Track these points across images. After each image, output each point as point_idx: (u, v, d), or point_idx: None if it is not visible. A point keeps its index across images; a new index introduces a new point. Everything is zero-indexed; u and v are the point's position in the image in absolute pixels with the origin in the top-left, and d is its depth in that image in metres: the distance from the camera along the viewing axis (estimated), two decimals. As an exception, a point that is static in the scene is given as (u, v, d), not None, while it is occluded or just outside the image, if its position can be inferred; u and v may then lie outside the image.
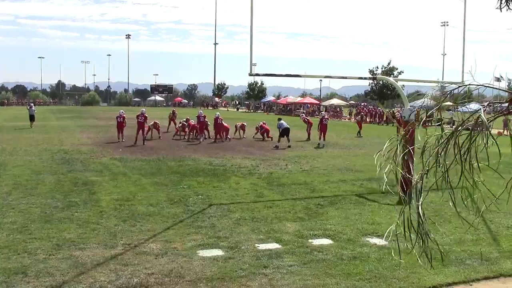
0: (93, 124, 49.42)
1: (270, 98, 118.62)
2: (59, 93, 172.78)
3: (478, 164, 4.36)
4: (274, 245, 10.68)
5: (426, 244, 4.41)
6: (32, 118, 45.00)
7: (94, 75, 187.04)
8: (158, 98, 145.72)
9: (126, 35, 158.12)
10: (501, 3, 5.25)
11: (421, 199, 4.31)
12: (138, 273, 8.86)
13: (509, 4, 5.22)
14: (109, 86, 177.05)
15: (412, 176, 4.51)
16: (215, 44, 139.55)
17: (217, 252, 10.09)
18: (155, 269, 9.07)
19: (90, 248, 10.14)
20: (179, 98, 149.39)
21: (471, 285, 9.01)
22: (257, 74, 22.96)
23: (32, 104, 57.57)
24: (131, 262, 9.39)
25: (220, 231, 11.56)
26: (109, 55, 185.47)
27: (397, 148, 4.77)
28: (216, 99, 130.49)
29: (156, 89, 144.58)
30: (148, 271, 8.94)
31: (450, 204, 4.36)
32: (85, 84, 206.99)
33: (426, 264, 4.42)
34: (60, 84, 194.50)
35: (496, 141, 4.24)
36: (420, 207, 4.28)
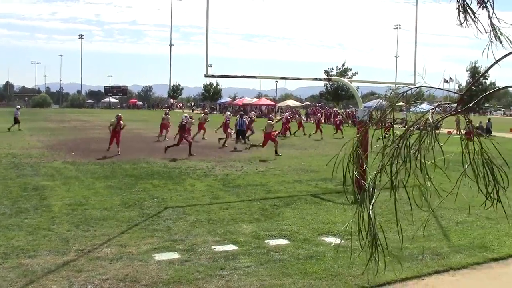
0: (44, 127, 48.23)
1: (225, 99, 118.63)
2: (7, 95, 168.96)
3: (427, 163, 4.41)
4: (230, 247, 10.66)
5: (376, 244, 4.47)
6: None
7: (45, 76, 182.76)
8: (112, 100, 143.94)
9: (79, 36, 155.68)
10: (460, 19, 5.37)
11: (373, 199, 4.35)
12: (92, 279, 8.71)
13: (468, 20, 5.36)
14: (61, 88, 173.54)
15: (366, 176, 4.56)
16: (171, 45, 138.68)
17: (173, 255, 10.02)
18: (109, 274, 8.93)
19: (41, 256, 9.88)
20: (134, 100, 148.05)
21: (423, 279, 9.28)
22: (212, 76, 22.85)
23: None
24: (85, 268, 9.22)
25: (176, 234, 11.48)
26: (61, 55, 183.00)
27: (352, 148, 4.80)
28: (171, 100, 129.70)
29: (110, 90, 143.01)
30: (102, 277, 8.80)
31: (400, 203, 4.40)
32: (36, 85, 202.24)
33: (375, 264, 4.45)
34: (8, 85, 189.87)
35: (438, 141, 4.32)
36: (371, 208, 4.33)
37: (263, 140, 29.07)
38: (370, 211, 4.34)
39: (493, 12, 5.25)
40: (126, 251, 10.23)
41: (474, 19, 5.40)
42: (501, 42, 5.19)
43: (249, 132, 35.06)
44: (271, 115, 40.05)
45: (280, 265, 9.61)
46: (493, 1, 5.28)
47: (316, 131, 43.06)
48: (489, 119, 52.23)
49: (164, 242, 10.89)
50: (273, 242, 11.06)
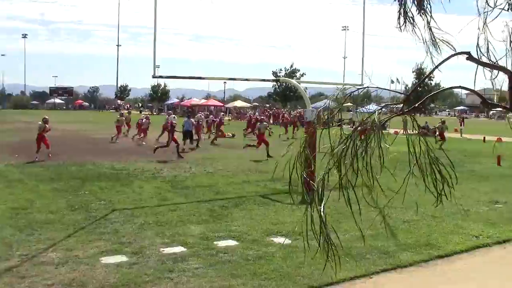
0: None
1: (173, 100, 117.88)
2: None
3: (374, 163, 4.48)
4: (179, 249, 10.59)
5: (328, 244, 4.51)
6: None
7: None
8: (57, 101, 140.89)
9: (23, 35, 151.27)
10: (399, 23, 5.48)
11: (324, 199, 4.38)
12: (36, 284, 8.50)
13: (407, 24, 5.47)
14: (3, 88, 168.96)
15: (314, 176, 4.60)
16: (118, 45, 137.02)
17: (121, 258, 9.88)
18: (55, 279, 8.74)
19: (-17, 262, 9.60)
20: (80, 101, 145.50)
21: (371, 277, 9.42)
22: (160, 76, 22.74)
23: None
24: (29, 273, 8.98)
25: (123, 237, 11.33)
26: (3, 55, 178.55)
27: (301, 149, 4.84)
28: (119, 101, 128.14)
29: (55, 91, 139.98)
30: (47, 282, 8.60)
31: (348, 202, 4.45)
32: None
33: (327, 263, 4.50)
34: None
35: (381, 141, 4.40)
36: (322, 208, 4.36)
37: (257, 141, 29.33)
38: (322, 211, 4.38)
39: (431, 17, 5.40)
40: (72, 255, 10.03)
41: (413, 23, 5.53)
42: (438, 48, 5.35)
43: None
44: (263, 117, 40.38)
45: (229, 266, 9.59)
46: (430, 8, 5.43)
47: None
48: (462, 119, 53.48)
49: (111, 245, 10.73)
50: (222, 243, 11.03)
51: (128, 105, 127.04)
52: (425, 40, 5.42)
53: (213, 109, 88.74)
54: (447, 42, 5.27)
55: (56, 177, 19.34)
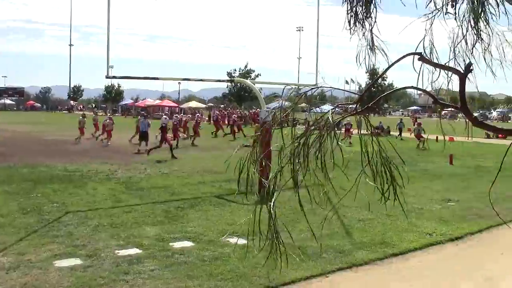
0: None
1: (128, 101, 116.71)
2: None
3: (328, 162, 4.51)
4: (134, 250, 10.49)
5: (278, 243, 4.52)
6: None
7: None
8: (7, 101, 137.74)
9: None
10: (350, 25, 5.55)
11: (273, 198, 4.39)
12: (-13, 289, 8.32)
13: (357, 26, 5.55)
14: None
15: (268, 176, 4.60)
16: (70, 45, 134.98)
17: (75, 261, 9.72)
18: (6, 284, 8.54)
19: None
20: (31, 102, 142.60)
21: (327, 276, 9.49)
22: (114, 77, 22.45)
23: None
24: (-21, 278, 8.78)
25: (77, 239, 11.16)
26: None
27: (254, 148, 4.83)
28: (72, 102, 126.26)
29: (5, 92, 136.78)
30: (-2, 287, 8.42)
31: (302, 201, 4.47)
32: None
33: (277, 262, 4.51)
34: None
35: (337, 141, 4.43)
36: (272, 207, 4.37)
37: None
38: (271, 210, 4.38)
39: (375, 22, 5.49)
40: (24, 259, 9.81)
41: (363, 25, 5.62)
42: (379, 52, 5.47)
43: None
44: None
45: (185, 268, 9.55)
46: (376, 14, 5.52)
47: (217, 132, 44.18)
48: (415, 119, 54.18)
49: (65, 248, 10.55)
50: (177, 245, 10.98)
51: (81, 106, 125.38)
52: (369, 44, 5.53)
53: (179, 110, 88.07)
54: (382, 49, 5.39)
55: (7, 179, 18.89)
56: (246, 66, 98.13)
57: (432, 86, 5.35)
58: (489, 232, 12.98)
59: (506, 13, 5.40)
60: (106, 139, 34.76)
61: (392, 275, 9.85)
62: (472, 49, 5.40)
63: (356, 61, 5.51)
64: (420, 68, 5.12)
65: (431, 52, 5.21)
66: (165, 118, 30.58)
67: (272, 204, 4.34)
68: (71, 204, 14.83)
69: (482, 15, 5.41)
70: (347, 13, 5.54)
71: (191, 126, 41.30)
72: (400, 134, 46.52)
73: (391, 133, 47.63)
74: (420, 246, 11.49)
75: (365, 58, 5.56)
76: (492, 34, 5.37)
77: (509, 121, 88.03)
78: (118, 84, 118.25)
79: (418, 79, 4.97)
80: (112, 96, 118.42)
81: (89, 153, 28.57)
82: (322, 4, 23.26)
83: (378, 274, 9.86)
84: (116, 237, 11.44)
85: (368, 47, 5.53)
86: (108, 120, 36.29)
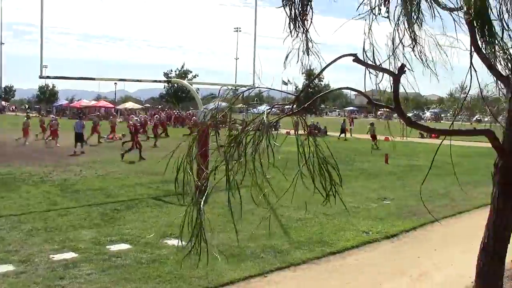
0: None
1: (63, 101, 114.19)
2: None
3: (266, 162, 4.51)
4: (70, 254, 10.28)
5: (205, 243, 4.52)
6: None
7: None
8: None
9: None
10: (290, 29, 5.60)
11: (203, 199, 4.39)
12: None
13: (297, 29, 5.62)
14: None
15: (203, 176, 4.59)
16: (1, 43, 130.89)
17: (7, 268, 9.44)
18: None
19: None
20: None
21: (265, 276, 9.54)
22: (48, 77, 21.91)
23: None
24: None
25: (10, 245, 10.83)
26: None
27: (191, 149, 4.80)
28: (3, 103, 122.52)
29: None
30: None
31: (229, 203, 4.47)
32: None
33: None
34: None
35: (270, 141, 4.45)
36: (201, 208, 4.36)
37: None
38: (200, 211, 4.37)
39: (311, 24, 5.57)
40: (-47, 266, 9.47)
41: (302, 28, 5.68)
42: (308, 54, 5.56)
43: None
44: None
45: (123, 271, 9.41)
46: (312, 18, 5.60)
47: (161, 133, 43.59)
48: (352, 119, 54.81)
49: (-4, 254, 10.23)
50: (114, 247, 10.82)
51: (14, 107, 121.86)
52: (304, 48, 5.61)
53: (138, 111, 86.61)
54: (316, 52, 5.47)
55: None
56: (183, 67, 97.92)
57: (376, 86, 5.46)
58: (423, 229, 13.32)
59: (438, 16, 5.54)
60: (53, 140, 34.42)
61: (330, 273, 9.96)
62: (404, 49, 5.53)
63: (285, 62, 5.57)
64: (365, 69, 5.22)
65: (373, 54, 5.31)
66: (136, 120, 30.32)
67: (201, 205, 4.33)
68: (3, 208, 14.38)
69: (415, 18, 5.56)
70: (288, 17, 5.59)
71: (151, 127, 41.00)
72: (344, 134, 47.09)
73: (328, 133, 48.19)
74: (357, 244, 11.69)
75: (302, 59, 5.62)
76: (426, 37, 5.52)
77: (441, 121, 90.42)
78: (53, 85, 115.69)
79: (366, 79, 5.06)
80: (46, 96, 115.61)
81: (23, 155, 27.77)
82: (259, 5, 23.40)
83: (316, 273, 9.96)
84: (50, 241, 11.17)
85: (304, 48, 5.60)
86: (54, 121, 36.18)
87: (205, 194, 4.38)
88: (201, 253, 4.60)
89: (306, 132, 4.71)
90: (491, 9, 5.91)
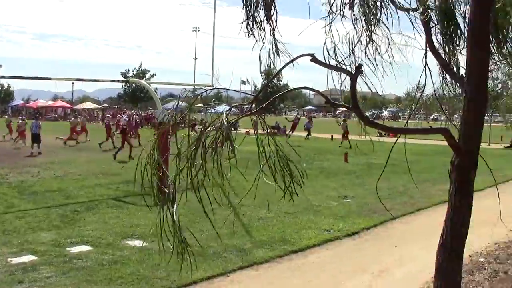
0: None
1: (18, 101, 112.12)
2: None
3: (226, 162, 4.54)
4: (29, 257, 10.12)
5: (182, 245, 4.52)
6: None
7: None
8: None
9: None
10: (248, 28, 5.65)
11: (176, 201, 4.39)
12: None
13: (253, 30, 5.67)
14: None
15: (166, 178, 4.59)
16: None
17: (-36, 272, 9.23)
18: None
19: None
20: None
21: (228, 276, 9.57)
22: (2, 77, 21.56)
23: None
24: None
25: (-34, 248, 10.60)
26: None
27: (152, 150, 4.79)
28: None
29: None
30: None
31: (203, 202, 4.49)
32: None
33: (182, 264, 4.51)
34: None
35: (232, 145, 4.49)
36: (174, 209, 4.36)
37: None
38: (174, 214, 4.36)
39: (276, 25, 5.63)
40: None
41: (261, 29, 5.74)
42: (281, 55, 5.61)
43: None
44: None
45: (84, 273, 9.31)
46: (276, 18, 5.66)
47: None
48: (310, 118, 54.84)
49: (-49, 258, 10.00)
50: (75, 249, 10.69)
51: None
52: (271, 48, 5.66)
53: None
54: (287, 52, 5.53)
55: None
56: (140, 66, 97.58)
57: (341, 86, 5.52)
58: (383, 226, 13.51)
59: (396, 16, 5.64)
60: (20, 140, 34.33)
61: (292, 271, 10.03)
62: (365, 49, 5.61)
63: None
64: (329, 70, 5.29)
65: (335, 53, 5.38)
66: (125, 120, 30.04)
67: (175, 208, 4.33)
68: (-42, 211, 14.07)
69: (373, 18, 5.64)
70: (246, 18, 5.63)
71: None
72: (309, 134, 47.01)
73: (290, 132, 48.22)
74: (319, 242, 11.79)
75: (261, 60, 5.67)
76: (385, 36, 5.61)
77: (399, 120, 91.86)
78: (8, 84, 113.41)
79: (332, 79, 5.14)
80: (1, 96, 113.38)
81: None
82: (218, 4, 23.49)
83: (278, 271, 10.02)
84: (8, 244, 10.98)
85: (275, 49, 5.66)
86: (21, 121, 36.13)
87: (174, 196, 4.38)
88: (183, 253, 4.59)
89: (265, 132, 4.75)
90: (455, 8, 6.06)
